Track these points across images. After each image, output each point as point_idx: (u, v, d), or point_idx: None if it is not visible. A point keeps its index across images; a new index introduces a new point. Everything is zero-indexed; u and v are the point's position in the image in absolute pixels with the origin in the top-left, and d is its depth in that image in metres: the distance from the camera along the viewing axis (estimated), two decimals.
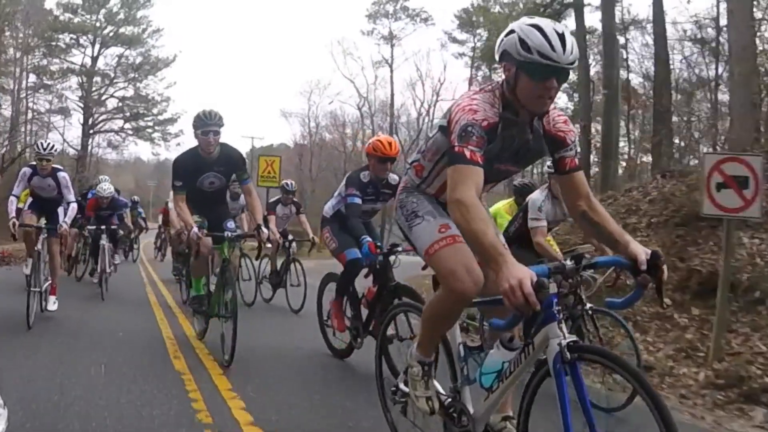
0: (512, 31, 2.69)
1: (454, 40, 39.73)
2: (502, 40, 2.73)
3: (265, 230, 6.08)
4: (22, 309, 6.82)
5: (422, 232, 3.08)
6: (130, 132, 40.59)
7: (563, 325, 2.49)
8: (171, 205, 9.25)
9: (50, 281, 7.78)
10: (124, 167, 44.31)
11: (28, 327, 6.71)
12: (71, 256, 12.43)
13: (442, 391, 3.30)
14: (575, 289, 2.55)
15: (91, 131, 39.05)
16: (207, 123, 5.98)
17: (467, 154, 2.64)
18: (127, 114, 40.01)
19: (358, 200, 5.86)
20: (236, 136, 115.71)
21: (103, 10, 39.08)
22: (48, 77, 38.32)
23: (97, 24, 39.09)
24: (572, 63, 2.63)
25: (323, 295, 6.77)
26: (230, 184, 6.72)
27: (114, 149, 39.93)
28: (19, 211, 7.65)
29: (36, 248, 7.35)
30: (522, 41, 2.61)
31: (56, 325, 7.25)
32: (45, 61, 38.05)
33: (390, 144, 5.88)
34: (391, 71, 40.48)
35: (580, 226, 3.01)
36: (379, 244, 5.97)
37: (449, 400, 3.22)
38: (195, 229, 6.04)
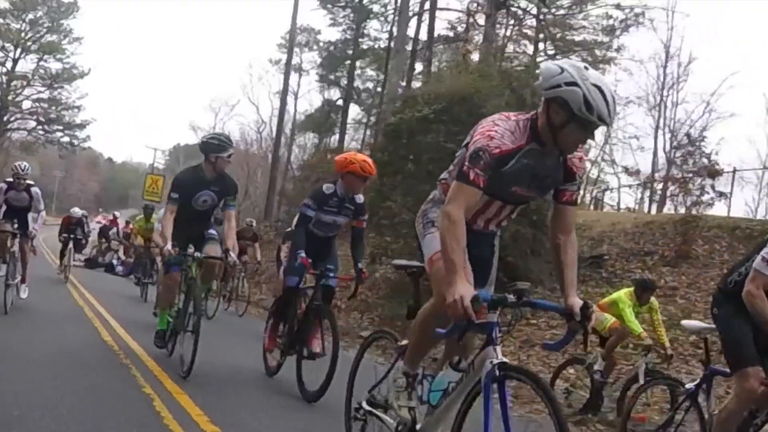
0: (576, 84, 2.81)
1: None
2: (560, 86, 2.84)
3: (232, 255, 6.46)
4: None
5: (432, 241, 3.29)
6: (41, 133, 42.08)
7: (498, 348, 2.89)
8: (157, 225, 9.63)
9: (22, 275, 9.15)
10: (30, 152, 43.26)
11: (5, 312, 8.30)
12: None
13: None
14: None
15: (5, 129, 40.28)
16: (228, 147, 6.43)
17: (471, 175, 2.95)
18: (41, 119, 41.56)
19: (311, 212, 6.06)
20: (140, 146, 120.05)
21: (30, 16, 40.06)
22: None
23: (22, 31, 39.97)
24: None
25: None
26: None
27: (25, 151, 40.51)
28: None
29: (12, 249, 8.82)
30: (587, 102, 2.79)
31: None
32: None
33: (373, 164, 6.14)
34: (296, 99, 41.16)
35: (552, 256, 3.28)
36: (330, 266, 6.16)
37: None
38: (169, 245, 6.20)
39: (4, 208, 9.15)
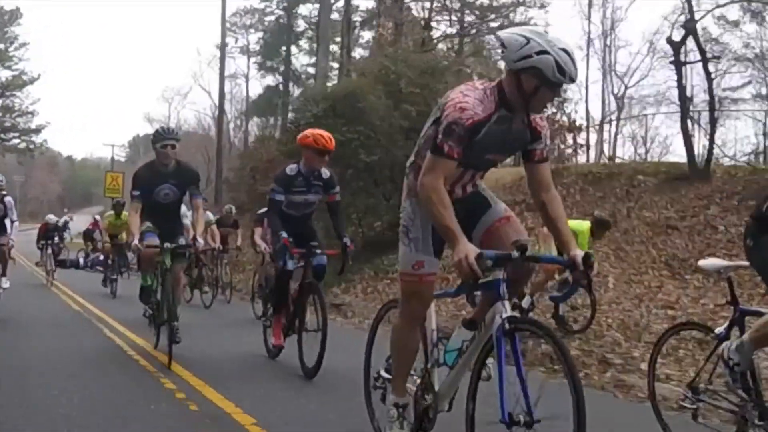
0: (546, 52, 2.92)
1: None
2: (531, 56, 2.93)
3: (200, 241, 6.59)
4: None
5: (403, 256, 3.40)
6: None
7: (507, 303, 2.98)
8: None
9: (3, 269, 9.52)
10: None
11: None
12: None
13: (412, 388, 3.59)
14: None
15: None
16: (165, 137, 6.46)
17: (446, 148, 3.04)
18: None
19: (280, 197, 6.11)
20: (99, 142, 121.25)
21: None
22: None
23: None
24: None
25: (266, 296, 7.09)
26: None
27: None
28: None
29: None
30: (559, 66, 2.91)
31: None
32: None
33: (330, 138, 6.12)
34: (247, 82, 42.64)
35: (541, 215, 3.41)
36: (314, 243, 6.31)
37: (419, 379, 3.58)
38: (136, 240, 6.37)
39: None
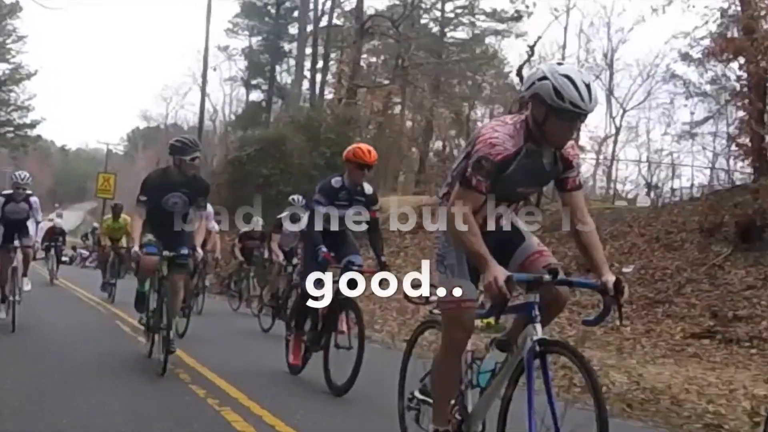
0: (545, 78, 3.11)
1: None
2: (534, 83, 3.16)
3: (199, 251, 6.92)
4: None
5: (442, 283, 3.50)
6: None
7: (538, 326, 3.14)
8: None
9: (24, 270, 9.30)
10: None
11: (12, 330, 8.34)
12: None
13: None
14: None
15: None
16: (195, 149, 6.62)
17: (473, 181, 3.23)
18: None
19: (322, 208, 6.23)
20: (92, 141, 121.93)
21: None
22: None
23: None
24: (594, 109, 3.20)
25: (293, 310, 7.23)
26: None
27: None
28: None
29: (13, 265, 8.90)
30: (556, 91, 3.07)
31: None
32: None
33: (369, 152, 6.21)
34: (246, 87, 41.89)
35: (575, 241, 3.49)
36: (353, 260, 6.37)
37: (452, 401, 3.62)
38: (136, 247, 6.57)
39: (1, 230, 8.97)
